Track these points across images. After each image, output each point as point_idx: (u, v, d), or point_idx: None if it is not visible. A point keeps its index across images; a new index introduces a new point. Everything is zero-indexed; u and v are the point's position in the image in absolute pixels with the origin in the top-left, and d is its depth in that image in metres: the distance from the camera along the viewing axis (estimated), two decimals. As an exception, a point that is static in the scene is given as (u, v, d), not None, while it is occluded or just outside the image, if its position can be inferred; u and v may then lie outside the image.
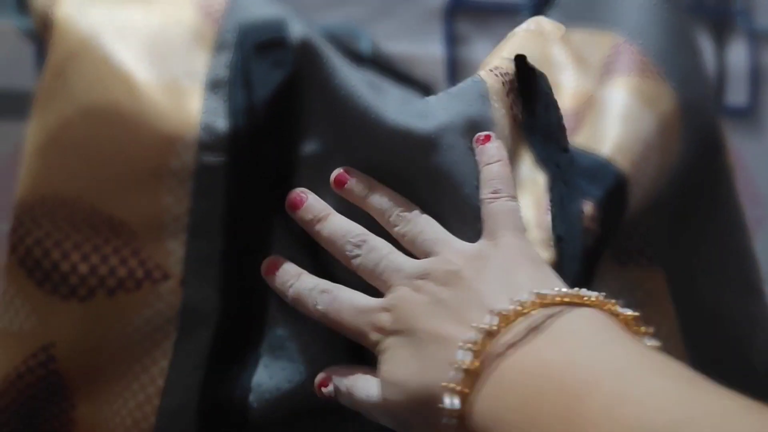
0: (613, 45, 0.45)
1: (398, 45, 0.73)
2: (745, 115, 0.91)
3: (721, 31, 0.89)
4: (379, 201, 0.37)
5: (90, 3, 0.38)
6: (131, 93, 0.36)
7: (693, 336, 0.44)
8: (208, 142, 0.36)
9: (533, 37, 0.51)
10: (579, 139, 0.42)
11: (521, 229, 0.36)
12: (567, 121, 0.43)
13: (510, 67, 0.43)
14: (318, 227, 0.37)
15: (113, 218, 0.36)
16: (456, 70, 0.76)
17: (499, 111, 0.40)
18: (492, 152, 0.37)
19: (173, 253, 0.36)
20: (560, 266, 0.38)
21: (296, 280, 0.37)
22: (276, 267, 0.37)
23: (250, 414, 0.36)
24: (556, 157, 0.41)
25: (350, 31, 0.72)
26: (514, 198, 0.36)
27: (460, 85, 0.41)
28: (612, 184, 0.39)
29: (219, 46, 0.38)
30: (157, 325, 0.36)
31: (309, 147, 0.38)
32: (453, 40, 0.76)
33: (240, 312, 0.37)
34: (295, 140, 0.38)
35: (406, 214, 0.36)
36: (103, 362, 0.37)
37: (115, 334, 0.36)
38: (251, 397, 0.36)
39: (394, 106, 0.39)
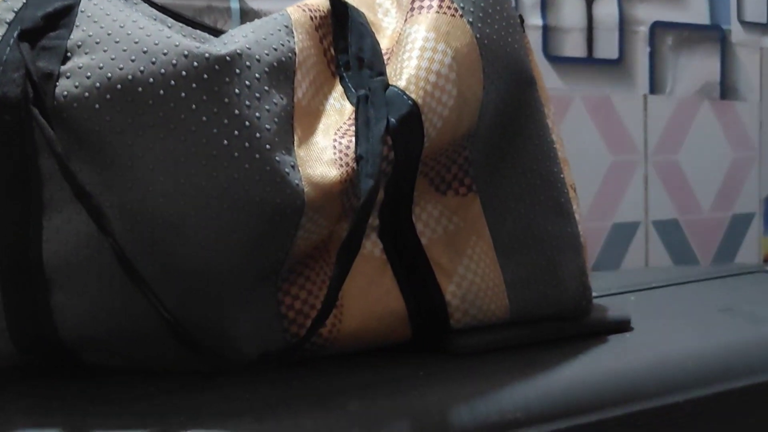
0: None
1: (270, 2, 0.75)
2: (615, 65, 0.96)
3: (591, -15, 0.93)
4: None
5: None
6: None
7: (506, 255, 0.48)
8: None
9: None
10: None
11: None
12: (387, 60, 0.46)
13: (324, 4, 0.46)
14: None
15: None
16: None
17: (303, 42, 0.42)
18: None
19: None
20: (356, 185, 0.40)
21: None
22: None
23: (62, 337, 0.39)
24: (368, 82, 0.44)
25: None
26: None
27: (265, 18, 0.43)
28: (405, 113, 0.42)
29: None
30: None
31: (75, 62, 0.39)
32: None
33: (15, 245, 0.38)
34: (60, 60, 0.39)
35: None
36: None
37: None
38: (56, 318, 0.39)
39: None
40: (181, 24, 0.44)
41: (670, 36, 1.00)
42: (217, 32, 0.50)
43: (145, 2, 0.47)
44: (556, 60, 0.91)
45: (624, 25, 0.96)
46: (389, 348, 0.47)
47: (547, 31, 0.91)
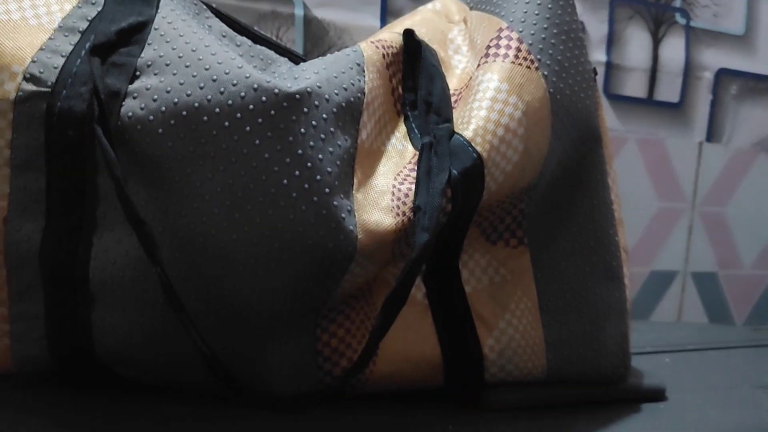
0: (498, 29, 0.46)
1: (334, 13, 0.75)
2: (675, 109, 0.94)
3: (660, 26, 0.91)
4: None
5: None
6: None
7: (550, 314, 0.47)
8: (35, 74, 0.37)
9: (436, 16, 0.52)
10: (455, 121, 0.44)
11: None
12: (456, 103, 0.45)
13: (397, 41, 0.45)
14: None
15: None
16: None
17: (373, 82, 0.41)
18: None
19: None
20: (410, 235, 0.39)
21: None
22: None
23: (97, 351, 0.39)
24: (434, 129, 0.42)
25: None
26: None
27: (337, 53, 0.42)
28: (468, 165, 0.41)
29: (86, 1, 0.40)
30: None
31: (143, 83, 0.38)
32: (388, 13, 0.78)
33: (64, 259, 0.38)
34: (130, 80, 0.38)
35: None
36: None
37: None
38: (94, 332, 0.38)
39: (278, 74, 0.41)
40: (249, 43, 0.43)
41: (735, 84, 0.97)
42: (282, 49, 0.49)
43: (215, 15, 0.46)
44: (616, 99, 0.89)
45: (689, 70, 0.93)
46: (418, 393, 0.47)
47: (610, 68, 0.89)
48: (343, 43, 0.74)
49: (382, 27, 0.76)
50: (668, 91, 0.92)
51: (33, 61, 0.37)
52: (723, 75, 0.96)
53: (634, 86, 0.90)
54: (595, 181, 0.48)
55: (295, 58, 0.47)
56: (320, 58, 0.42)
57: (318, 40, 0.74)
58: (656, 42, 0.91)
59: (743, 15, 0.96)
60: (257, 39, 0.49)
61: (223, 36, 0.43)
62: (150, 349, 0.40)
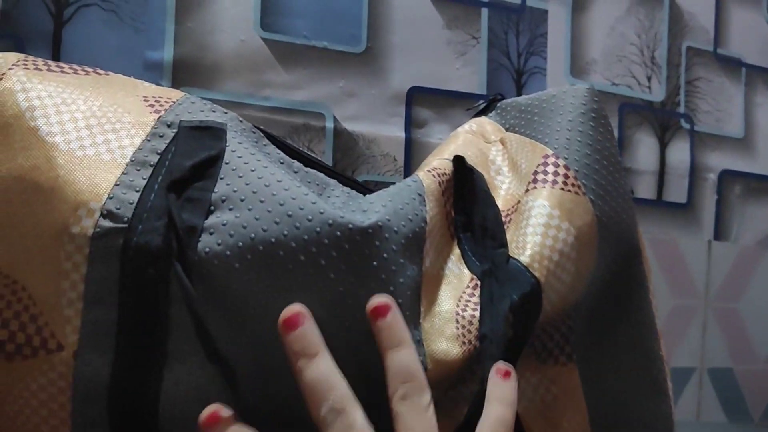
0: (543, 156, 0.48)
1: (362, 125, 0.78)
2: (683, 209, 0.97)
3: (666, 130, 0.95)
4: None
5: (38, 80, 0.41)
6: (50, 162, 0.37)
7: (601, 430, 0.47)
8: (112, 211, 0.37)
9: (474, 138, 0.55)
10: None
11: None
12: (506, 225, 0.47)
13: (448, 167, 0.47)
14: (301, 364, 0.35)
15: (17, 282, 0.37)
16: (413, 150, 0.81)
17: (432, 210, 0.43)
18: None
19: (70, 322, 0.36)
20: (478, 363, 0.40)
21: None
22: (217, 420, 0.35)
23: None
24: (491, 254, 0.44)
25: (316, 109, 0.76)
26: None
27: (399, 185, 0.44)
28: (527, 291, 0.42)
29: (154, 134, 0.41)
30: (51, 395, 0.37)
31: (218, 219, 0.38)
32: (412, 123, 0.81)
33: (133, 393, 0.37)
34: (205, 214, 0.39)
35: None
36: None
37: (12, 400, 0.37)
38: None
39: (338, 203, 0.42)
40: (304, 168, 0.45)
41: (738, 185, 1.01)
42: (330, 171, 0.51)
43: (271, 142, 0.48)
44: (628, 201, 0.92)
45: (694, 171, 0.97)
46: None
47: (621, 172, 0.92)
48: (371, 153, 0.77)
49: (407, 137, 0.79)
50: (676, 192, 0.96)
51: (110, 198, 0.37)
52: (726, 176, 1.00)
53: (644, 188, 0.94)
54: (638, 297, 0.50)
55: (343, 179, 0.49)
56: (384, 190, 0.44)
57: (348, 150, 0.77)
58: (663, 146, 0.95)
59: (741, 119, 1.01)
60: (308, 162, 0.51)
61: (281, 162, 0.45)
62: None
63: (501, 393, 0.38)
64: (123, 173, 0.38)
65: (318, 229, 0.38)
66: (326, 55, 0.76)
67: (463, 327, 0.41)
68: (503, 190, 0.51)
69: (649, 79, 0.94)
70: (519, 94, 0.86)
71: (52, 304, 0.37)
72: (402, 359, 0.36)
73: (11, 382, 0.38)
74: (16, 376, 0.38)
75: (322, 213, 0.38)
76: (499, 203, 0.49)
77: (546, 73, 0.87)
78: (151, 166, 0.40)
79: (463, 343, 0.41)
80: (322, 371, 0.35)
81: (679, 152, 0.96)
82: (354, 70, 0.78)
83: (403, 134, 0.79)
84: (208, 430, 0.34)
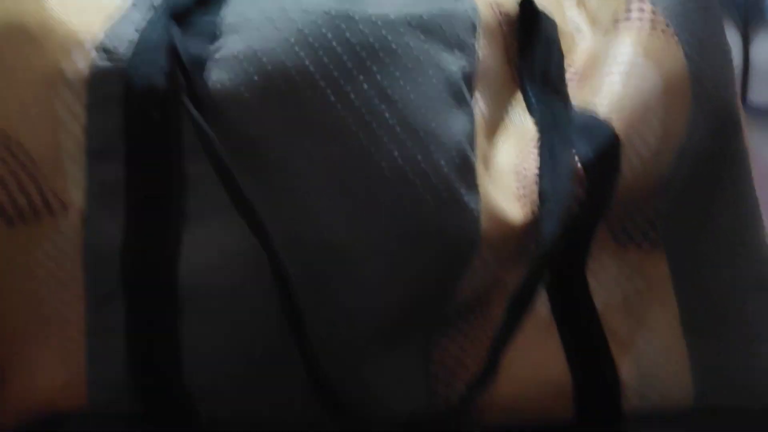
0: (627, 1, 0.41)
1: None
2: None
3: (749, 25, 0.85)
4: None
5: None
6: (40, 2, 0.34)
7: (695, 332, 0.40)
8: (108, 47, 0.33)
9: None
10: (578, 97, 0.39)
11: None
12: (573, 80, 0.40)
13: (514, 9, 0.41)
14: None
15: (10, 138, 0.33)
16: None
17: (485, 49, 0.38)
18: None
19: (73, 179, 0.33)
20: (537, 224, 0.35)
21: None
22: None
23: (187, 380, 0.33)
24: (553, 105, 0.38)
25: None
26: None
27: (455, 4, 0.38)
28: (604, 145, 0.36)
29: None
30: (60, 264, 0.34)
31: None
32: None
33: (150, 260, 0.33)
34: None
35: None
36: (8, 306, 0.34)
37: (16, 272, 0.34)
38: (183, 355, 0.33)
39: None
40: None
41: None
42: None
43: None
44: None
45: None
46: None
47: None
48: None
49: None
50: (765, 93, 0.86)
51: (106, 35, 0.34)
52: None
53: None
54: (740, 179, 0.42)
55: None
56: None
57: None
58: (746, 42, 0.85)
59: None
60: None
61: None
62: (243, 374, 0.34)
63: None
64: (121, 13, 0.35)
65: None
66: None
67: (525, 187, 0.36)
68: (584, 50, 0.43)
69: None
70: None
71: (52, 159, 0.33)
72: None
73: (13, 251, 0.34)
74: (19, 243, 0.34)
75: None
76: (579, 63, 0.42)
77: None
78: (153, 7, 0.36)
79: (525, 204, 0.35)
80: None
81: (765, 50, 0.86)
82: None
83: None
84: None
